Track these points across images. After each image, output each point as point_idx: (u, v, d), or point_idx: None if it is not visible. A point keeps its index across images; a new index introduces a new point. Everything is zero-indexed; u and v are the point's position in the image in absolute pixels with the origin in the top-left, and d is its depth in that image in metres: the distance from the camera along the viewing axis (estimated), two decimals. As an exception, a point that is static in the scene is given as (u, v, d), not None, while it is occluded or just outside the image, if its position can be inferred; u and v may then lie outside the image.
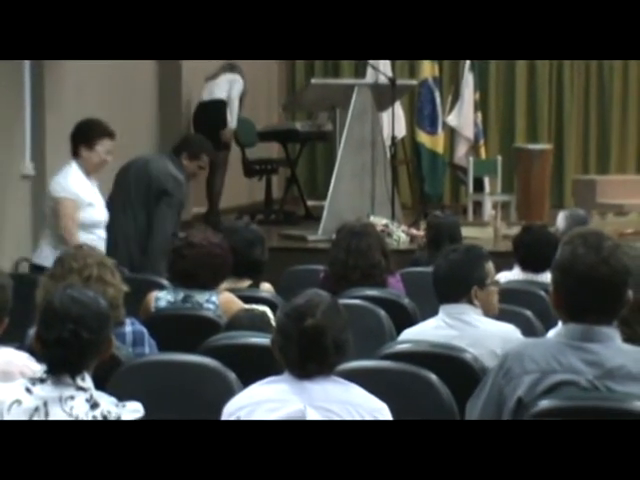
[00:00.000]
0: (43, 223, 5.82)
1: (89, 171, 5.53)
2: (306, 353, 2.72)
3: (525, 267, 5.28)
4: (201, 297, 4.20)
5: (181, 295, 4.24)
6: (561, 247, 2.58)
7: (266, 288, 4.71)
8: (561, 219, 5.83)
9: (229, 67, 9.19)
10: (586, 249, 2.51)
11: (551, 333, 2.68)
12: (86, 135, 5.49)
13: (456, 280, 3.67)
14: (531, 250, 5.22)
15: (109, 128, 5.59)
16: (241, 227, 5.04)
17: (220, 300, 4.20)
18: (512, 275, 5.40)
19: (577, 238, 2.56)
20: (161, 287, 4.55)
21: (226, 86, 9.20)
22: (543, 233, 5.31)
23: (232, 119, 9.17)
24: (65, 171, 5.52)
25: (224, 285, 4.39)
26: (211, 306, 4.17)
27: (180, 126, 9.26)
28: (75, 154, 5.52)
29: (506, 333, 3.61)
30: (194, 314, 4.15)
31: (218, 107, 9.11)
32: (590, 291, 2.50)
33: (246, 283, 4.67)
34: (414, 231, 8.15)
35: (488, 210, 9.50)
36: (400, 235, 8.08)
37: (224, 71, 9.20)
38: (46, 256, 5.22)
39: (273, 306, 4.08)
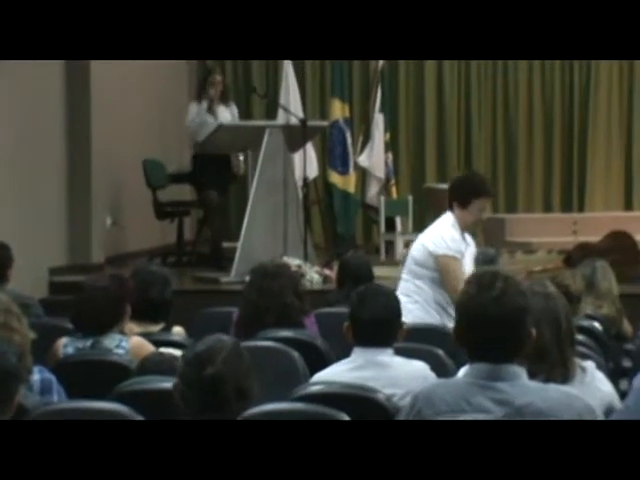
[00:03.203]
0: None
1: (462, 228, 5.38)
2: (206, 401, 2.67)
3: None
4: (110, 342, 4.15)
5: (90, 341, 4.18)
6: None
7: (177, 331, 4.67)
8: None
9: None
10: (479, 290, 2.57)
11: (462, 371, 2.70)
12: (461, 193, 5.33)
13: (384, 325, 3.67)
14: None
15: (485, 186, 5.43)
16: (141, 268, 5.01)
17: (131, 345, 4.15)
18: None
19: (472, 278, 2.62)
20: (69, 333, 4.47)
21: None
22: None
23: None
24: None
25: (136, 329, 4.34)
26: (121, 351, 4.11)
27: (89, 167, 9.15)
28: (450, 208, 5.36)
29: (418, 371, 3.62)
30: (103, 359, 4.08)
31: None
32: (485, 331, 2.55)
33: (157, 327, 4.61)
34: (327, 271, 8.16)
35: (400, 249, 9.56)
36: (313, 276, 8.09)
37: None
38: None
39: (184, 349, 4.02)
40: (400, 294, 5.34)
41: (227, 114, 9.04)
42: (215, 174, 8.70)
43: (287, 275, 4.86)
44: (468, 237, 5.53)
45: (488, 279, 2.58)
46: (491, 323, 2.53)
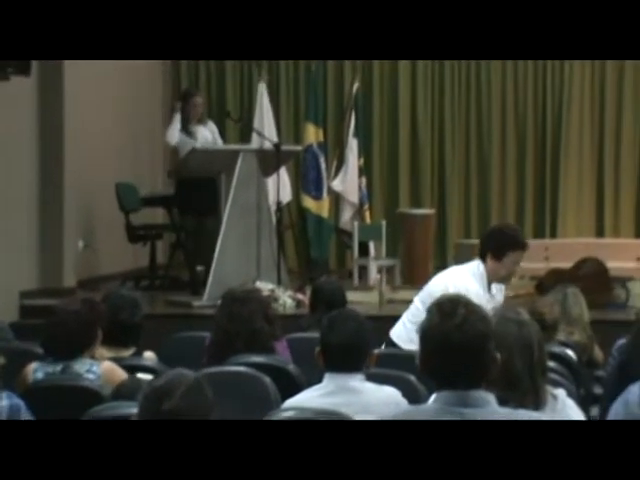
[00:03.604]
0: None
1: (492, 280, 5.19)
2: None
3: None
4: (81, 367, 4.12)
5: (60, 366, 4.15)
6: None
7: (148, 356, 4.65)
8: (444, 283, 5.89)
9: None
10: (441, 317, 2.57)
11: (432, 398, 2.69)
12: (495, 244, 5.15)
13: (354, 350, 3.66)
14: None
15: (521, 239, 5.26)
16: (111, 292, 4.99)
17: (102, 370, 4.12)
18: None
19: (434, 307, 2.62)
20: (39, 358, 4.44)
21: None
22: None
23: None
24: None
25: (106, 354, 4.31)
26: (92, 376, 4.08)
27: (62, 190, 9.11)
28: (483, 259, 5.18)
29: (390, 397, 3.62)
30: (74, 385, 4.04)
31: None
32: (449, 359, 2.55)
33: (128, 351, 4.59)
34: (300, 296, 8.15)
35: (373, 274, 9.57)
36: (286, 300, 8.08)
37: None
38: None
39: (156, 374, 3.99)
40: (407, 320, 5.32)
41: (207, 133, 9.03)
42: (198, 198, 8.63)
43: (257, 300, 4.84)
44: (495, 287, 5.31)
45: (449, 306, 2.59)
46: (454, 350, 2.54)
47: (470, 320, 2.56)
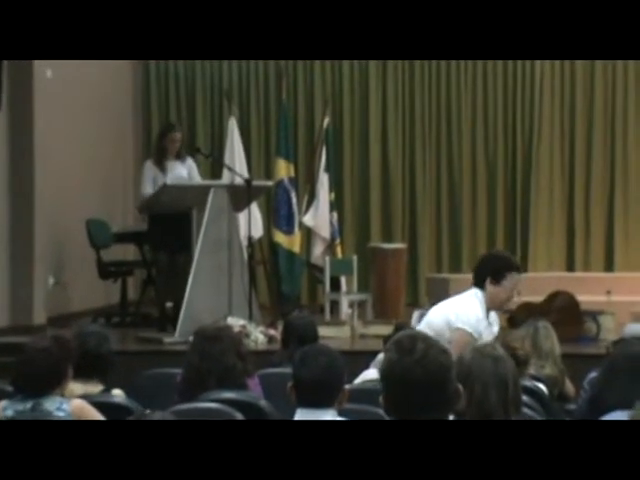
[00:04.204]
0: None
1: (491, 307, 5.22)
2: None
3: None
4: (51, 405, 4.08)
5: (30, 403, 4.11)
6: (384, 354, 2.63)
7: (117, 394, 4.62)
8: (415, 318, 5.91)
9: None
10: (400, 354, 2.57)
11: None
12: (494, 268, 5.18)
13: (326, 386, 3.65)
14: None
15: (516, 261, 5.33)
16: (80, 326, 4.99)
17: (72, 407, 4.09)
18: (370, 374, 5.41)
19: (393, 344, 2.61)
20: (9, 396, 4.39)
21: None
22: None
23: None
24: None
25: (76, 391, 4.28)
26: (62, 414, 4.05)
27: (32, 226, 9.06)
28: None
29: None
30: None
31: None
32: (411, 394, 2.55)
33: (97, 387, 4.56)
34: (272, 331, 8.13)
35: (345, 309, 9.56)
36: (258, 336, 8.06)
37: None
38: None
39: (126, 410, 3.98)
40: None
41: (182, 169, 9.02)
42: (171, 234, 8.59)
43: (228, 337, 4.83)
44: (493, 316, 5.33)
45: (408, 342, 2.58)
46: (417, 386, 2.53)
47: (430, 354, 2.56)
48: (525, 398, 4.33)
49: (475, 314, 5.12)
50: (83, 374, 4.51)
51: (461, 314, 5.10)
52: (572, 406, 5.25)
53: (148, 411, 3.07)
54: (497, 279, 5.15)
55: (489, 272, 5.19)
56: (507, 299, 5.23)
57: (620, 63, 11.42)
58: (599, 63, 11.42)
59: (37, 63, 8.88)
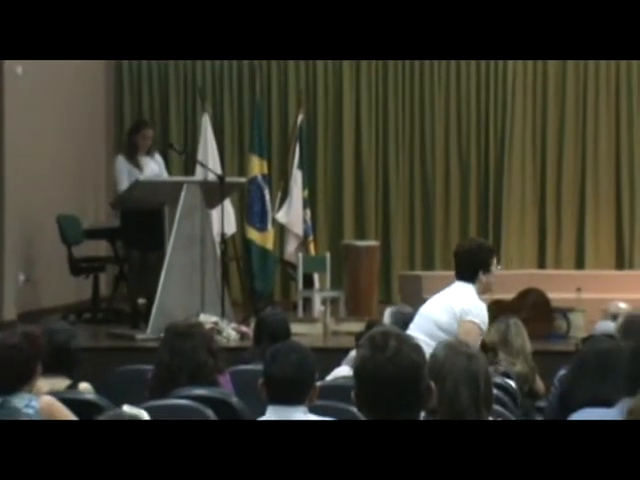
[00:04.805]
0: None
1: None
2: None
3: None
4: (20, 402, 4.05)
5: (-3, 400, 4.09)
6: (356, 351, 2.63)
7: (84, 388, 4.60)
8: (387, 316, 5.92)
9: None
10: (372, 351, 2.57)
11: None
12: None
13: (297, 383, 3.64)
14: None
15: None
16: (48, 321, 4.99)
17: (41, 404, 4.06)
18: (342, 371, 5.42)
19: (365, 341, 2.62)
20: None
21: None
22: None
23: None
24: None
25: (43, 387, 4.26)
26: (30, 411, 4.02)
27: (2, 222, 9.01)
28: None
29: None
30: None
31: None
32: (383, 391, 2.55)
33: (64, 382, 4.54)
34: (244, 328, 8.12)
35: (318, 306, 9.56)
36: (230, 333, 8.05)
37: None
38: None
39: (96, 407, 3.96)
40: None
41: (154, 165, 8.99)
42: (144, 231, 8.55)
43: (200, 334, 4.82)
44: None
45: (380, 339, 2.58)
46: (389, 383, 2.54)
47: (402, 351, 2.56)
48: (496, 392, 4.36)
49: (481, 306, 5.22)
50: (50, 370, 4.48)
51: (470, 307, 5.19)
52: (542, 403, 5.27)
53: (125, 407, 3.06)
54: (488, 267, 5.28)
55: (480, 264, 5.29)
56: (493, 283, 5.36)
57: (592, 63, 11.49)
58: (571, 63, 11.49)
59: (8, 60, 8.83)
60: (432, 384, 2.62)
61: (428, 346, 5.17)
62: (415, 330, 5.25)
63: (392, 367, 2.54)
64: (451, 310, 5.23)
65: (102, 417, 3.61)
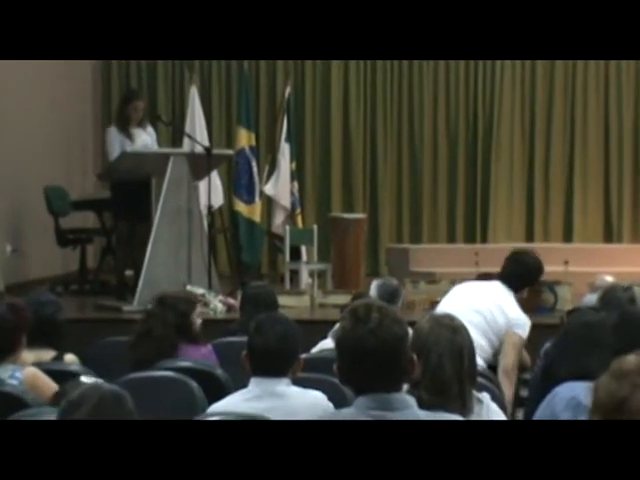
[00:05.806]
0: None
1: None
2: None
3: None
4: (4, 373, 4.05)
5: (-19, 371, 4.08)
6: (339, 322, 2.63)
7: (70, 359, 4.60)
8: (373, 288, 5.91)
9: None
10: (354, 322, 2.57)
11: (355, 402, 2.69)
12: None
13: (280, 355, 3.64)
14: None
15: None
16: (32, 293, 4.99)
17: (25, 375, 4.06)
18: (328, 344, 5.42)
19: (347, 312, 2.61)
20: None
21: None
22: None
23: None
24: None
25: (29, 359, 4.25)
26: (14, 382, 4.02)
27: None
28: None
29: (315, 402, 3.61)
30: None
31: None
32: (366, 364, 2.54)
33: (49, 354, 4.54)
34: (231, 300, 8.11)
35: (305, 279, 9.56)
36: (217, 305, 8.04)
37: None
38: None
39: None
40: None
41: (146, 137, 8.93)
42: (132, 202, 8.50)
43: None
44: None
45: (363, 311, 2.58)
46: (371, 355, 2.53)
47: (384, 324, 2.56)
48: (481, 364, 4.36)
49: (529, 323, 5.29)
50: (36, 341, 4.48)
51: (523, 321, 5.26)
52: (528, 375, 5.28)
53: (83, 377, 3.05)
54: (533, 287, 5.54)
55: (532, 282, 5.47)
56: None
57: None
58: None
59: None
60: (415, 356, 2.62)
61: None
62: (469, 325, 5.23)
63: (374, 339, 2.54)
64: (506, 315, 5.25)
65: (62, 388, 3.62)
